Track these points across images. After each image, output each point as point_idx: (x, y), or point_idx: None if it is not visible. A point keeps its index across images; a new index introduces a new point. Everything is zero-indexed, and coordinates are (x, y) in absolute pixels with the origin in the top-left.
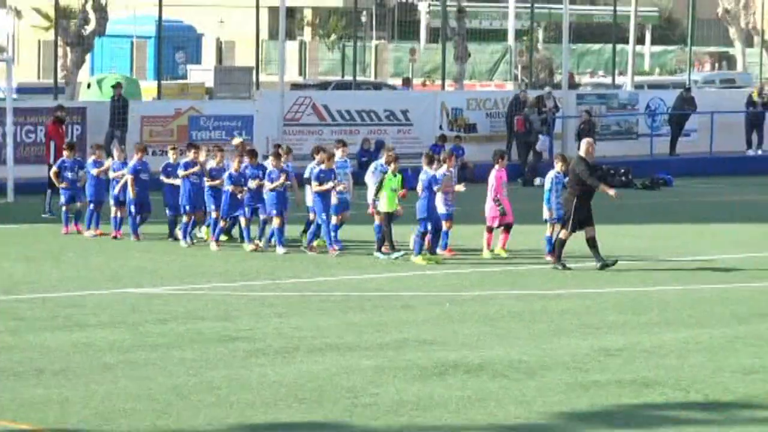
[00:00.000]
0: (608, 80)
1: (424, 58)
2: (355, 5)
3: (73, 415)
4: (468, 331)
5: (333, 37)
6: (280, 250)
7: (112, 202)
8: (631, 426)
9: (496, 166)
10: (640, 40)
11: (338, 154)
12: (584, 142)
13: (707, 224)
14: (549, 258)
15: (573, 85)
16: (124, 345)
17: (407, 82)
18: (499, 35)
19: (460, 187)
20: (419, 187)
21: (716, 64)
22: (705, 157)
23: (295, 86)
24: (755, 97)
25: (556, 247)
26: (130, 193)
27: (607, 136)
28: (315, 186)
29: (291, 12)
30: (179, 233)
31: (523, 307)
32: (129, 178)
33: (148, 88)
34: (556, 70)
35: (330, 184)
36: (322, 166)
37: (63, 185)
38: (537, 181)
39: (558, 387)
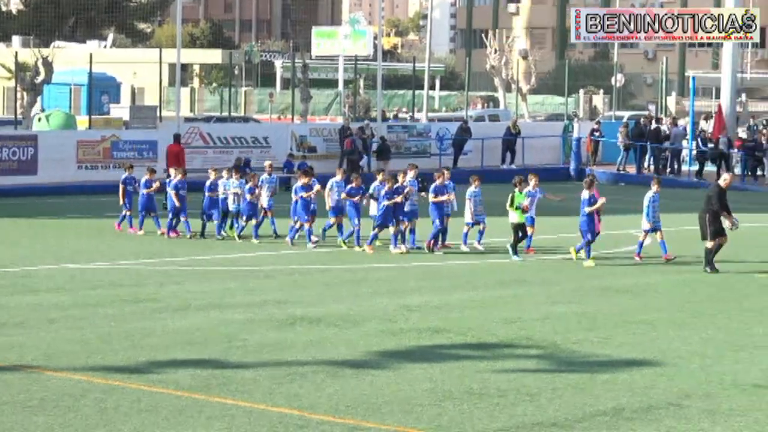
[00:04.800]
0: (409, 115)
1: (279, 100)
2: (230, 62)
3: (28, 355)
4: (311, 293)
5: (214, 84)
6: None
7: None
8: (426, 360)
9: (589, 188)
10: (432, 87)
11: (410, 174)
12: (727, 175)
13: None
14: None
15: (384, 119)
16: (64, 305)
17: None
18: (333, 83)
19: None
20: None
21: (485, 104)
22: (477, 170)
23: (188, 119)
24: (512, 129)
25: (705, 254)
26: (176, 203)
27: (408, 155)
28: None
29: (184, 66)
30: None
31: (350, 276)
32: (172, 192)
33: (82, 120)
34: (372, 108)
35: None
36: (375, 184)
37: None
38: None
39: (374, 333)
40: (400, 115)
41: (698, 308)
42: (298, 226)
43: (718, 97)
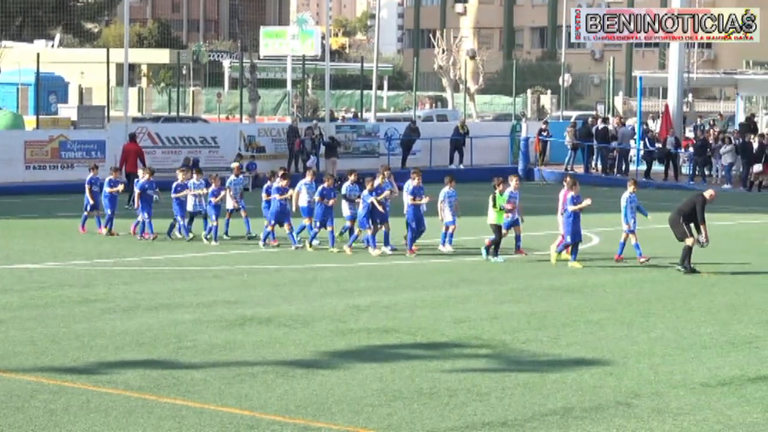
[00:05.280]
0: (358, 115)
1: (228, 100)
2: (178, 62)
3: None
4: (260, 293)
5: (162, 84)
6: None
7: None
8: (376, 360)
9: (565, 188)
10: (380, 87)
11: (308, 178)
12: (711, 190)
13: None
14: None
15: (333, 119)
16: (13, 306)
17: None
18: (281, 83)
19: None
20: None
21: (433, 104)
22: (426, 170)
23: (136, 119)
24: (460, 129)
25: (684, 253)
26: (136, 203)
27: (357, 155)
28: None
29: (132, 66)
30: (261, 238)
31: (300, 276)
32: (137, 192)
33: (30, 120)
34: (320, 108)
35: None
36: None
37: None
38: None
39: (324, 333)
40: (349, 115)
41: (646, 308)
42: (269, 228)
43: (665, 97)
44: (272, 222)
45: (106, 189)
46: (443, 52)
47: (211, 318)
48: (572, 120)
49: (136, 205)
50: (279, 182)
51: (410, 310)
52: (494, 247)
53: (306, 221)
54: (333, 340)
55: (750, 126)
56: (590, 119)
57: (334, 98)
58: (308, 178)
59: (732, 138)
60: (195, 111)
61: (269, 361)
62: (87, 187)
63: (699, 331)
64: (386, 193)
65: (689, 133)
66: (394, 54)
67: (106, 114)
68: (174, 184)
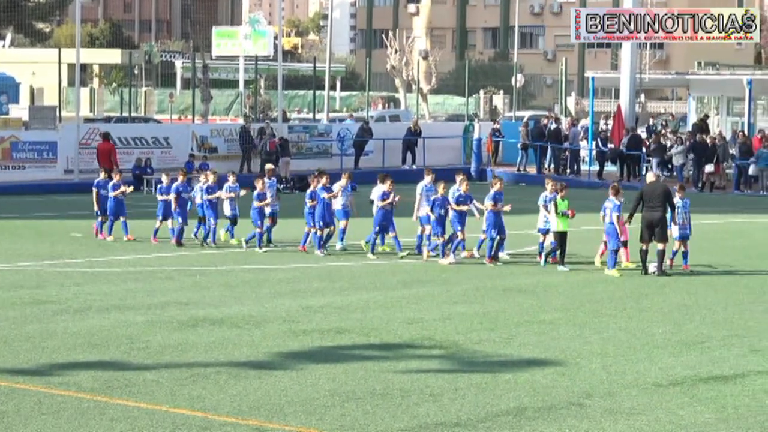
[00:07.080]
0: (310, 116)
1: (180, 100)
2: (130, 62)
3: None
4: (212, 294)
5: (114, 84)
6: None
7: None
8: (329, 362)
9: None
10: (332, 87)
11: (343, 181)
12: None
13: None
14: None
15: (285, 119)
16: None
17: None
18: (233, 83)
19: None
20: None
21: (386, 105)
22: (379, 170)
23: (87, 120)
24: (413, 129)
25: (660, 257)
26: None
27: (309, 155)
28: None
29: (84, 67)
30: (315, 244)
31: (252, 277)
32: (173, 197)
33: None
34: (273, 109)
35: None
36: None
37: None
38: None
39: (277, 334)
40: (302, 116)
41: (598, 308)
42: (319, 233)
43: (617, 97)
44: (321, 225)
45: (111, 193)
46: (396, 53)
47: (164, 319)
48: (525, 120)
49: (173, 208)
50: (323, 181)
51: (363, 311)
52: (561, 256)
53: (342, 224)
54: (286, 340)
55: (702, 127)
56: (543, 119)
57: (286, 99)
58: (343, 181)
59: (684, 138)
60: (147, 111)
61: (222, 362)
62: (94, 191)
63: (651, 331)
64: (468, 206)
65: (642, 134)
66: (347, 54)
67: (57, 114)
68: (205, 186)
